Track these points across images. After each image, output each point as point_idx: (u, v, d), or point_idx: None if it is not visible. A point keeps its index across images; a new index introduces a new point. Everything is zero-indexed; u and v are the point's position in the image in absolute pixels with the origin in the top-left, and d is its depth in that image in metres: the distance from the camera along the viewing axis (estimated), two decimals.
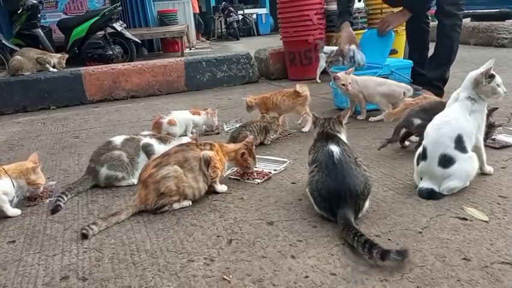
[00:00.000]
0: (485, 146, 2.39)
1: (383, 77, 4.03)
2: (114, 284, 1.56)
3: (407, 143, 2.93)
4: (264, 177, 2.53)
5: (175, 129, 3.51)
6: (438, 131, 2.13)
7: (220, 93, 5.80)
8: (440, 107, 2.69)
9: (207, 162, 2.22)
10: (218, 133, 3.73)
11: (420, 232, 1.77)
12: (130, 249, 1.81)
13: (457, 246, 1.63)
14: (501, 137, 2.87)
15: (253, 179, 2.52)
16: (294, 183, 2.43)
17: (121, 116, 4.87)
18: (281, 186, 2.39)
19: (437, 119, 2.21)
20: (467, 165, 2.10)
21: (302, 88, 3.52)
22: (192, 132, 3.68)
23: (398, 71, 4.10)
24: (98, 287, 1.55)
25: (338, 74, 3.59)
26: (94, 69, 5.93)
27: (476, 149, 2.22)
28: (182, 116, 3.60)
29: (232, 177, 2.56)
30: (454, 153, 2.08)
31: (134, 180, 2.58)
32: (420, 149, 2.24)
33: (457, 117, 2.15)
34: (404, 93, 3.55)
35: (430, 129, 2.18)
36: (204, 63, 6.28)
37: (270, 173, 2.58)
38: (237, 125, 3.79)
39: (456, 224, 1.82)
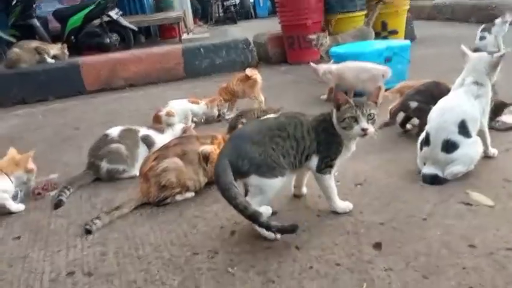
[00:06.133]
0: (490, 128, 2.36)
1: (386, 59, 4.02)
2: (119, 279, 1.57)
3: (408, 126, 2.91)
4: None
5: (174, 120, 3.48)
6: (442, 116, 2.10)
7: (220, 80, 5.71)
8: (435, 88, 2.68)
9: (206, 158, 2.20)
10: (219, 121, 3.71)
11: (424, 219, 1.76)
12: (134, 243, 1.81)
13: (462, 233, 1.63)
14: (505, 118, 2.83)
15: None
16: None
17: (120, 106, 4.84)
18: None
19: (441, 103, 2.18)
20: (471, 150, 2.08)
21: (252, 72, 3.70)
22: (193, 121, 3.67)
23: (399, 51, 4.08)
24: (104, 283, 1.56)
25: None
26: (91, 59, 5.88)
27: (481, 133, 2.20)
28: (180, 106, 3.57)
29: None
30: (458, 138, 2.06)
31: (136, 172, 2.56)
32: (423, 134, 2.22)
33: (460, 102, 2.13)
34: (383, 75, 3.59)
35: (434, 114, 2.16)
36: (202, 49, 6.21)
37: None
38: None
39: (460, 209, 1.81)
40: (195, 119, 3.71)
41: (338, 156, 1.80)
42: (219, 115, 3.77)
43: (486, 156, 2.27)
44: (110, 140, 2.60)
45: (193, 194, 2.21)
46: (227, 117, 3.77)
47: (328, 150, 1.78)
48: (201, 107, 3.67)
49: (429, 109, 2.61)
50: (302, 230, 1.77)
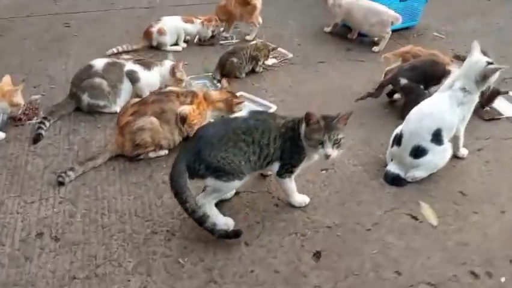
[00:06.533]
0: (474, 114, 2.32)
1: None
2: (82, 251, 1.74)
3: (396, 96, 2.88)
4: None
5: (165, 39, 3.41)
6: (419, 122, 2.11)
7: None
8: (430, 68, 2.61)
9: (183, 119, 2.23)
10: (212, 44, 3.60)
11: (369, 230, 1.90)
12: (101, 207, 1.96)
13: (395, 255, 1.77)
14: (498, 103, 2.79)
15: None
16: None
17: None
18: None
19: (423, 107, 2.16)
20: (437, 157, 2.14)
21: None
22: (185, 40, 3.56)
23: None
24: (68, 252, 1.74)
25: None
26: None
27: (455, 137, 2.23)
28: (173, 23, 3.44)
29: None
30: (428, 146, 2.10)
31: (117, 108, 2.60)
32: (398, 130, 2.23)
33: (441, 109, 2.11)
34: (392, 22, 3.43)
35: (413, 117, 2.16)
36: None
37: None
38: (234, 41, 3.65)
39: (406, 224, 1.93)
40: (188, 37, 3.59)
41: (300, 164, 1.85)
42: (213, 36, 3.63)
43: (455, 156, 2.32)
44: (94, 72, 2.58)
45: (166, 151, 2.29)
46: (222, 42, 3.63)
47: (290, 159, 1.83)
48: (195, 26, 3.54)
49: (419, 89, 2.60)
50: (256, 222, 1.92)
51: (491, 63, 2.07)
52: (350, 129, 2.51)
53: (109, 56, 3.25)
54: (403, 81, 2.60)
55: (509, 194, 2.14)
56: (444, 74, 2.57)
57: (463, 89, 2.10)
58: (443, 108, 2.10)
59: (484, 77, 2.06)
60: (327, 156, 1.76)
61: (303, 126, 1.78)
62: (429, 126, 2.08)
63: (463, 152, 2.36)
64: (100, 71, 2.58)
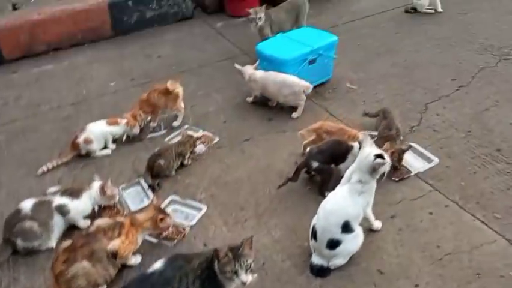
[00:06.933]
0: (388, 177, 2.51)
1: (312, 61, 3.99)
2: None
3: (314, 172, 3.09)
4: (178, 234, 2.69)
5: (92, 147, 3.51)
6: (327, 220, 2.32)
7: (150, 46, 5.49)
8: (336, 147, 2.86)
9: (114, 255, 2.35)
10: (141, 139, 3.71)
11: None
12: None
13: None
14: (406, 159, 3.03)
15: (169, 238, 2.67)
16: (206, 245, 2.62)
17: (43, 94, 4.60)
18: (193, 249, 2.55)
19: (328, 204, 2.37)
20: (351, 244, 2.35)
21: (173, 85, 3.70)
22: (114, 140, 3.65)
23: (324, 52, 4.04)
24: None
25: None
26: (7, 22, 5.35)
27: (364, 218, 2.45)
28: (98, 130, 3.54)
29: (148, 238, 2.68)
30: (340, 237, 2.31)
31: (53, 243, 2.70)
32: (314, 221, 2.43)
33: (344, 205, 2.32)
34: (304, 91, 3.66)
35: (321, 214, 2.36)
36: (130, 2, 5.81)
37: (184, 229, 2.72)
38: (162, 131, 3.78)
39: None
40: (116, 136, 3.68)
41: None
42: (141, 130, 3.75)
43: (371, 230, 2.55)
44: (24, 216, 2.65)
45: (104, 287, 2.40)
46: (150, 135, 3.76)
47: None
48: (121, 127, 3.64)
49: (330, 168, 2.84)
50: None
51: (380, 156, 2.30)
52: (276, 217, 2.76)
53: (41, 174, 3.35)
54: (315, 164, 2.83)
55: (421, 262, 2.39)
56: (348, 150, 2.84)
57: (360, 181, 2.32)
58: (345, 203, 2.32)
59: (374, 169, 2.29)
60: (243, 284, 1.93)
61: (215, 263, 1.94)
62: (337, 221, 2.29)
63: (377, 225, 2.59)
64: (29, 213, 2.66)
